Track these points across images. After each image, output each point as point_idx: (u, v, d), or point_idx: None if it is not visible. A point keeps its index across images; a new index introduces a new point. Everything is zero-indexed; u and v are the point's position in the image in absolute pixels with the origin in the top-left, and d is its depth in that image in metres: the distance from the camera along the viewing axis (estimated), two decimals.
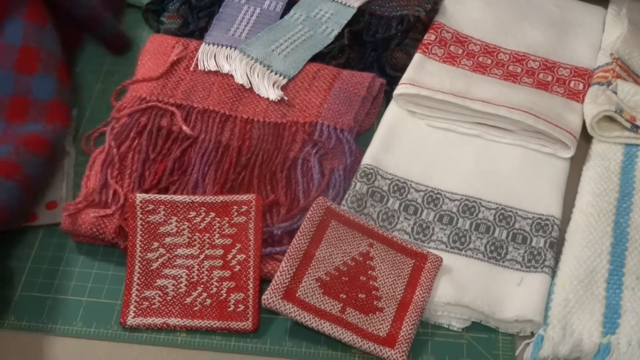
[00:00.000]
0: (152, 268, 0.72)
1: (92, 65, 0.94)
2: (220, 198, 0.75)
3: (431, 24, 0.94)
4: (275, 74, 0.88)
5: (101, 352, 0.69)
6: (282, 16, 0.96)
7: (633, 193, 0.78)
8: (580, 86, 0.88)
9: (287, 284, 0.69)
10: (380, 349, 0.67)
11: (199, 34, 0.93)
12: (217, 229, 0.74)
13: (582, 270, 0.72)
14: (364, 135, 0.86)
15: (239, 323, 0.70)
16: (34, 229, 0.77)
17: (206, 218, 0.74)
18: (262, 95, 0.86)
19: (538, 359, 0.67)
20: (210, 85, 0.88)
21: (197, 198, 0.75)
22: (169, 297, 0.71)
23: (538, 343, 0.68)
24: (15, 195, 0.72)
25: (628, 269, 0.72)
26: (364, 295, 0.70)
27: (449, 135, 0.84)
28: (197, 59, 0.89)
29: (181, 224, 0.74)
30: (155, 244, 0.73)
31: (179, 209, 0.74)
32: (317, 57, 0.91)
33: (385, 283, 0.71)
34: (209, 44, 0.91)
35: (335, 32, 0.93)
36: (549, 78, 0.89)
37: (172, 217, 0.74)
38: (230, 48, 0.90)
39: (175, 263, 0.73)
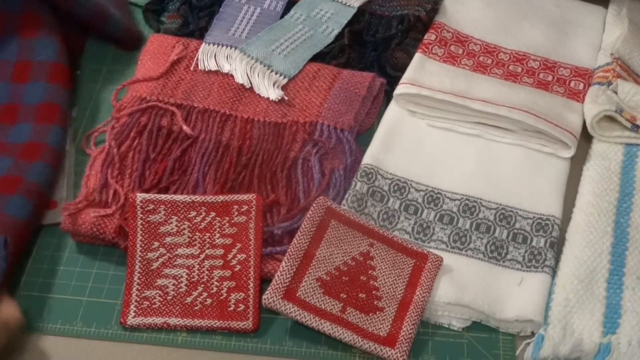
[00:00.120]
0: (152, 268, 0.72)
1: (92, 65, 0.93)
2: (221, 198, 0.75)
3: (431, 23, 0.94)
4: (276, 73, 0.88)
5: (101, 352, 0.69)
6: (282, 16, 0.96)
7: (633, 193, 0.78)
8: (581, 86, 0.88)
9: (288, 283, 0.69)
10: (381, 349, 0.67)
11: (199, 34, 0.93)
12: (218, 229, 0.74)
13: (582, 270, 0.72)
14: (364, 135, 0.86)
15: (239, 323, 0.70)
16: (34, 229, 0.77)
17: (206, 218, 0.74)
18: (262, 95, 0.86)
19: (538, 358, 0.67)
20: (210, 85, 0.87)
21: (198, 198, 0.75)
22: (170, 297, 0.71)
23: (538, 343, 0.68)
24: (26, 209, 0.73)
25: (628, 268, 0.72)
26: (364, 295, 0.70)
27: (449, 135, 0.84)
28: (197, 59, 0.89)
29: (181, 223, 0.74)
30: (156, 244, 0.73)
31: (180, 209, 0.74)
32: (318, 57, 0.91)
33: (385, 283, 0.71)
34: (209, 44, 0.91)
35: (336, 32, 0.93)
36: (550, 78, 0.89)
37: (173, 216, 0.74)
38: (231, 48, 0.90)
39: (175, 263, 0.73)
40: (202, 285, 0.72)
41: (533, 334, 0.70)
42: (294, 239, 0.71)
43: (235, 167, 0.80)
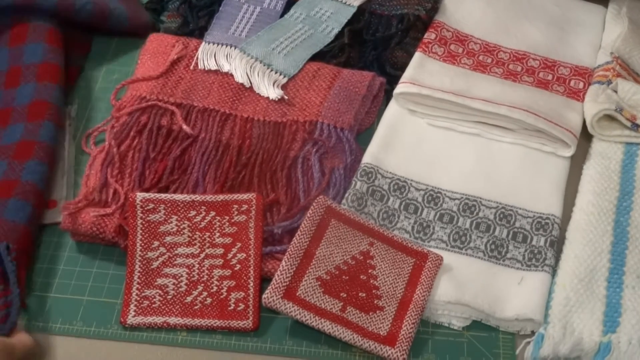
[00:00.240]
0: (152, 267, 0.72)
1: (92, 64, 0.93)
2: (221, 197, 0.75)
3: (431, 22, 0.94)
4: (276, 72, 0.88)
5: (101, 352, 0.69)
6: (282, 15, 0.96)
7: (633, 192, 0.78)
8: (581, 85, 0.88)
9: (288, 283, 0.69)
10: (381, 348, 0.67)
11: (199, 33, 0.93)
12: (218, 228, 0.74)
13: (582, 269, 0.72)
14: (364, 134, 0.86)
15: (239, 322, 0.70)
16: (37, 229, 0.77)
17: (206, 217, 0.74)
18: (262, 94, 0.86)
19: (538, 357, 0.67)
20: (210, 84, 0.87)
21: (198, 197, 0.75)
22: (170, 296, 0.71)
23: (538, 342, 0.68)
24: (25, 211, 0.73)
25: (628, 267, 0.72)
26: (364, 294, 0.70)
27: (449, 134, 0.84)
28: (197, 58, 0.89)
29: (181, 223, 0.74)
30: (156, 243, 0.73)
31: (179, 208, 0.74)
32: (317, 56, 0.91)
33: (385, 282, 0.71)
34: (209, 43, 0.90)
35: (336, 31, 0.93)
36: (549, 77, 0.89)
37: (173, 216, 0.74)
38: (231, 47, 0.90)
39: (175, 262, 0.73)
40: (202, 285, 0.72)
41: (533, 333, 0.70)
42: (294, 238, 0.71)
43: (235, 166, 0.80)
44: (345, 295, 0.70)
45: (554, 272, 0.73)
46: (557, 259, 0.74)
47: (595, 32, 0.95)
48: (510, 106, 0.82)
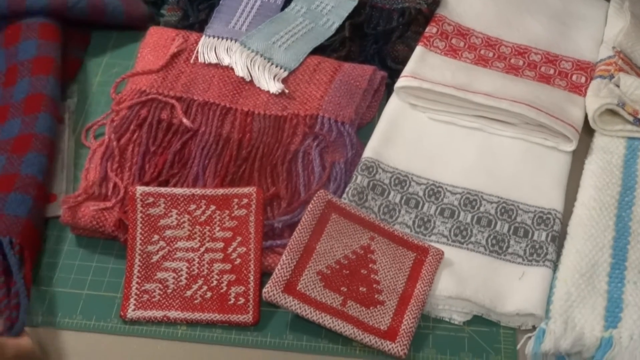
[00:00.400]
0: (152, 261, 0.72)
1: (91, 58, 0.93)
2: (221, 191, 0.74)
3: (433, 16, 0.93)
4: (276, 66, 0.87)
5: (101, 345, 0.69)
6: (282, 8, 0.95)
7: (635, 187, 0.78)
8: (583, 79, 0.88)
9: (288, 277, 0.69)
10: (381, 342, 0.67)
11: (199, 27, 0.93)
12: (218, 222, 0.73)
13: (584, 264, 0.71)
14: (365, 128, 0.85)
15: (239, 316, 0.70)
16: (41, 222, 0.77)
17: (207, 211, 0.74)
18: (262, 88, 0.86)
19: (539, 352, 0.67)
20: (210, 78, 0.87)
21: (198, 191, 0.74)
22: (169, 290, 0.71)
23: (539, 337, 0.68)
24: (26, 205, 0.72)
25: (630, 262, 0.72)
26: (365, 289, 0.70)
27: (450, 128, 0.84)
28: (197, 52, 0.89)
29: (181, 216, 0.74)
30: (156, 237, 0.73)
31: (180, 202, 0.74)
32: (318, 50, 0.90)
33: (386, 276, 0.71)
34: (209, 37, 0.90)
35: (336, 25, 0.93)
36: (551, 71, 0.89)
37: (173, 210, 0.74)
38: (231, 40, 0.90)
39: (175, 256, 0.72)
40: (202, 279, 0.71)
41: (534, 328, 0.70)
42: (295, 232, 0.71)
43: (236, 160, 0.79)
44: (345, 289, 0.69)
45: (555, 267, 0.73)
46: (559, 254, 0.74)
47: (598, 26, 0.95)
48: (512, 100, 0.82)
